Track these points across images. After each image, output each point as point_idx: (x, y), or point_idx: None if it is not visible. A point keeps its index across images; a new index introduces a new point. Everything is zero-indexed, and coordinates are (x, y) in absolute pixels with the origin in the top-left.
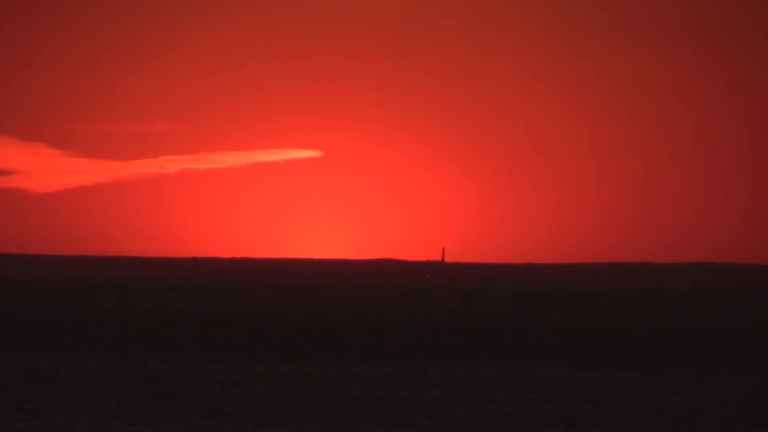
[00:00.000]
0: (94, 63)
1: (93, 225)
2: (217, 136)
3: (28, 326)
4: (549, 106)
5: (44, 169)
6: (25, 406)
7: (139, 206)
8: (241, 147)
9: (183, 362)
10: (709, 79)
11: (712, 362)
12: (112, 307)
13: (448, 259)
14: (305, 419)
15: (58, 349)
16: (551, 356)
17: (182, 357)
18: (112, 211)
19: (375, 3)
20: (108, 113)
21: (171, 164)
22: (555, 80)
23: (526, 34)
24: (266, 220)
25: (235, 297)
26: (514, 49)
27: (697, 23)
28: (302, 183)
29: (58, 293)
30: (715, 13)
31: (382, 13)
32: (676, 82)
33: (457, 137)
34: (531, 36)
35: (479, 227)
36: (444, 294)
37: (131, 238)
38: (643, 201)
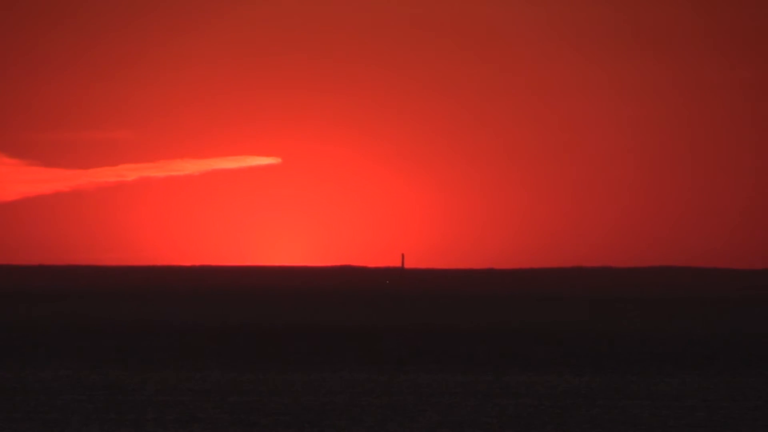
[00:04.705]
0: (51, 72)
1: (52, 234)
2: (176, 143)
3: None
4: (510, 111)
5: (2, 179)
6: None
7: (98, 215)
8: (199, 155)
9: (148, 371)
10: (674, 83)
11: (685, 366)
12: (70, 317)
13: (407, 266)
14: (279, 426)
15: (22, 359)
16: (517, 361)
17: (146, 365)
18: (71, 220)
19: (333, 7)
20: (66, 122)
21: (129, 172)
22: (519, 85)
23: (490, 38)
24: (225, 227)
25: (196, 305)
26: (478, 54)
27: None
28: (261, 190)
29: (16, 303)
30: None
31: (341, 18)
32: (641, 88)
33: (416, 143)
34: (495, 40)
35: (439, 233)
36: (404, 300)
37: (90, 247)
38: (604, 206)
